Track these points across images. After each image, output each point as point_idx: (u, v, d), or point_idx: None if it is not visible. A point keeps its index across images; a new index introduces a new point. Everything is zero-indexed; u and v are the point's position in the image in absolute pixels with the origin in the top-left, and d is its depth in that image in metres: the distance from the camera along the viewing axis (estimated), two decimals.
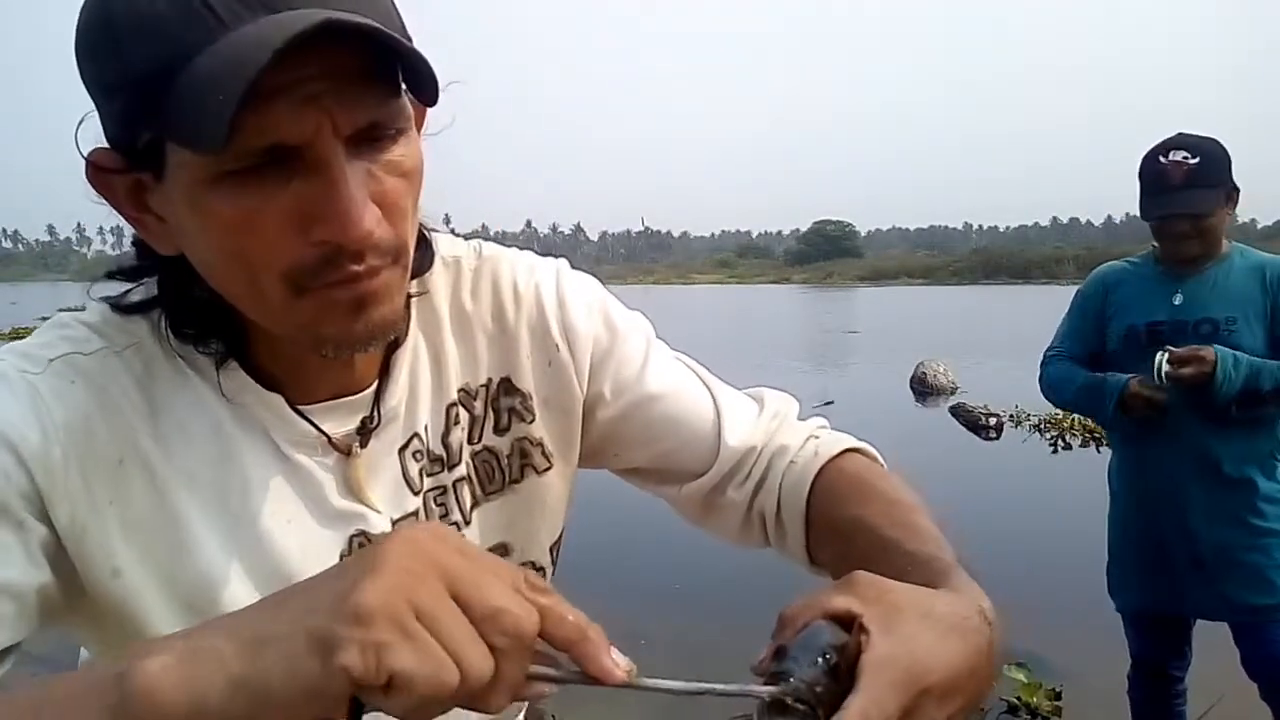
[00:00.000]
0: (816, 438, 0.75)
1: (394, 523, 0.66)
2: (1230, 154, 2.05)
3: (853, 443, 0.75)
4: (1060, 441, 7.68)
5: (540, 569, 0.76)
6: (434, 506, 0.70)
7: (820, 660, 0.44)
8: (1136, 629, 2.30)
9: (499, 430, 0.73)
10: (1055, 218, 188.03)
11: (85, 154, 0.55)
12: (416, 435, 0.69)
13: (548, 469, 0.75)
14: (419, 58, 0.50)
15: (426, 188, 0.59)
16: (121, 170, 0.54)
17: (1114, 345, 2.19)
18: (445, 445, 0.70)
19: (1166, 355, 1.98)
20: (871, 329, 23.06)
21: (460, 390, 0.71)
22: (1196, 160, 2.00)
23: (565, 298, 0.75)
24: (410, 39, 0.53)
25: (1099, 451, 6.82)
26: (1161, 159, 2.03)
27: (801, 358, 15.63)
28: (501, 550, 0.74)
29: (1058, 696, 3.00)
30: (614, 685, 0.42)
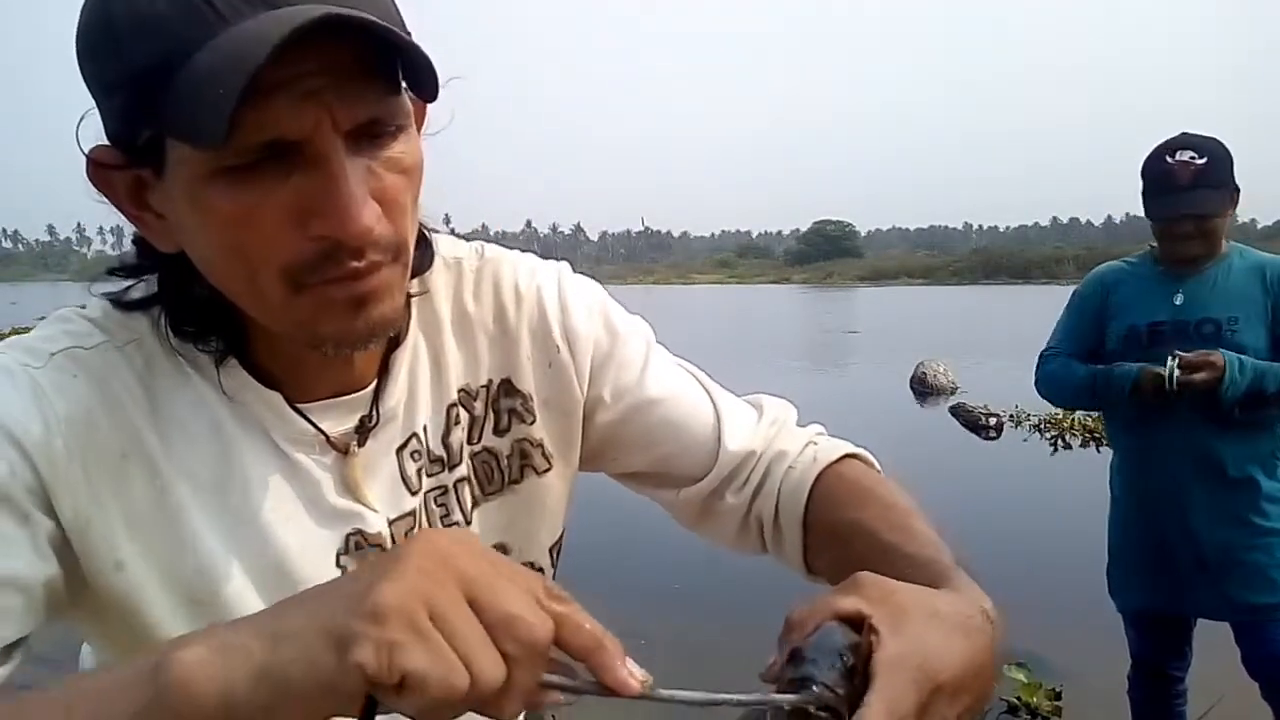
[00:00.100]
0: (815, 443, 0.75)
1: (390, 523, 0.66)
2: (1232, 154, 2.05)
3: (851, 448, 0.75)
4: (1060, 441, 7.69)
5: (539, 570, 0.76)
6: (434, 507, 0.69)
7: (839, 662, 0.43)
8: (1137, 629, 2.30)
9: (499, 431, 0.73)
10: (1055, 218, 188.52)
11: (86, 151, 0.55)
12: (415, 435, 0.68)
13: (548, 470, 0.74)
14: (419, 53, 0.50)
15: (426, 187, 0.59)
16: (122, 167, 0.54)
17: (1114, 345, 2.19)
18: (445, 445, 0.70)
19: (1178, 361, 1.98)
20: (871, 329, 23.08)
21: (460, 391, 0.71)
22: (1204, 161, 2.00)
23: (567, 300, 0.75)
24: (410, 34, 0.53)
25: (1099, 452, 6.82)
26: (1168, 159, 2.03)
27: (801, 358, 15.64)
28: (500, 550, 0.73)
29: (1058, 696, 3.00)
30: (629, 697, 0.41)
